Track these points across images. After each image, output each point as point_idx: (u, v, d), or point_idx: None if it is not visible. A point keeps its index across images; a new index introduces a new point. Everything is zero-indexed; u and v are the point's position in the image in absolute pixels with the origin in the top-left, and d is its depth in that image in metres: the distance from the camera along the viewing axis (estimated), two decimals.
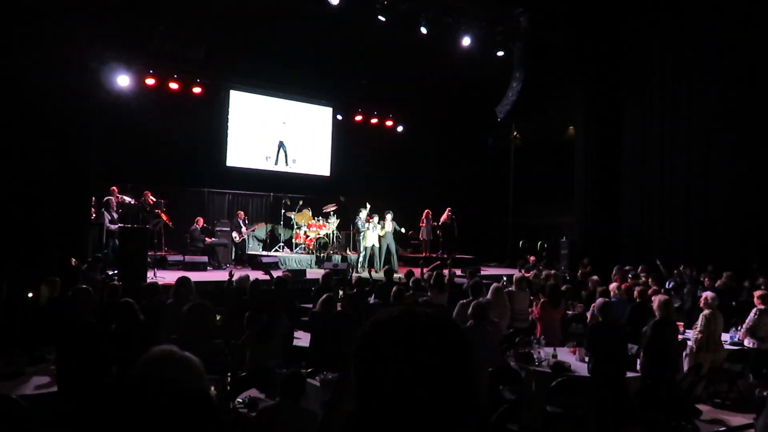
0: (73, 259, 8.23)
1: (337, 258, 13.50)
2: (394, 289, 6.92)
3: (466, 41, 13.58)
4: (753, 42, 11.99)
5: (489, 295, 7.10)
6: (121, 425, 1.13)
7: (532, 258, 14.02)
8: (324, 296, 6.07)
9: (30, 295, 6.12)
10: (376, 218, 13.27)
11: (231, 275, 7.81)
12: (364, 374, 1.01)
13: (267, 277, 8.16)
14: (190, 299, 5.90)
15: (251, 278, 7.53)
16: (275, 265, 12.04)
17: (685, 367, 6.46)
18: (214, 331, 5.31)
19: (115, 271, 9.12)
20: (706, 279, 9.96)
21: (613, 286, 8.50)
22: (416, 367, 0.97)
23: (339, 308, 6.48)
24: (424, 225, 15.56)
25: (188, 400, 1.13)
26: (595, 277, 9.55)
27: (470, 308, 5.72)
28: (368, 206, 13.50)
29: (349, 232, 14.73)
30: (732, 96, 12.41)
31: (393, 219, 13.52)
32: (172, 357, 1.36)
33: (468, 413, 0.99)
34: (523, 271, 10.97)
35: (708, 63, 12.76)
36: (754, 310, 7.04)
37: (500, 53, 14.32)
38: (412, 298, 7.29)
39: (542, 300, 7.25)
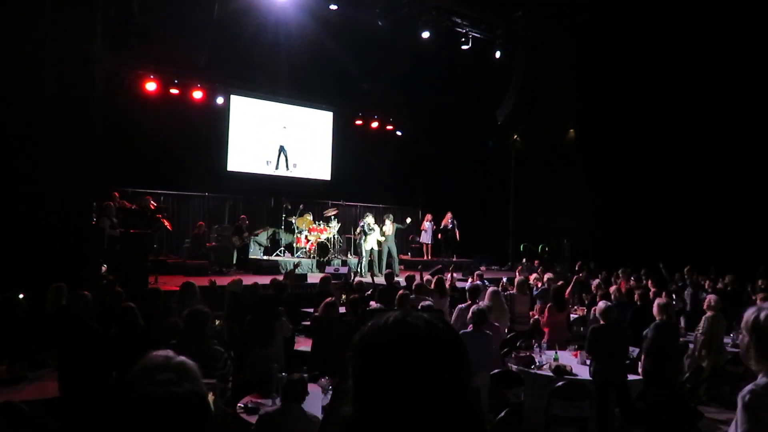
0: (105, 269, 8.23)
1: (337, 262, 13.50)
2: (399, 293, 6.91)
3: (465, 45, 13.61)
4: (750, 41, 12.02)
5: (486, 299, 7.09)
6: (120, 429, 1.13)
7: (537, 262, 14.02)
8: (326, 300, 6.07)
9: (21, 296, 6.10)
10: (373, 219, 13.23)
11: (212, 283, 7.82)
12: (360, 379, 1.01)
13: (268, 282, 8.15)
14: (195, 304, 5.88)
15: (253, 284, 7.53)
16: (276, 270, 12.04)
17: (687, 370, 6.45)
18: (213, 336, 5.30)
19: (117, 276, 9.12)
20: (707, 282, 9.96)
21: (614, 289, 8.49)
22: (412, 372, 0.97)
23: (341, 312, 6.48)
24: (425, 229, 15.57)
25: (184, 404, 1.13)
26: (597, 280, 9.54)
27: (469, 313, 5.72)
28: (373, 214, 13.50)
29: (349, 236, 14.73)
30: (732, 95, 12.44)
31: (393, 221, 13.51)
32: (169, 361, 1.37)
33: (466, 418, 0.99)
34: (524, 273, 10.96)
35: (708, 63, 12.78)
36: None
37: (500, 56, 14.34)
38: (413, 302, 7.28)
39: (549, 304, 7.25)
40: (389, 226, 13.24)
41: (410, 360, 0.98)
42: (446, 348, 1.01)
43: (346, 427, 1.02)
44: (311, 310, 7.19)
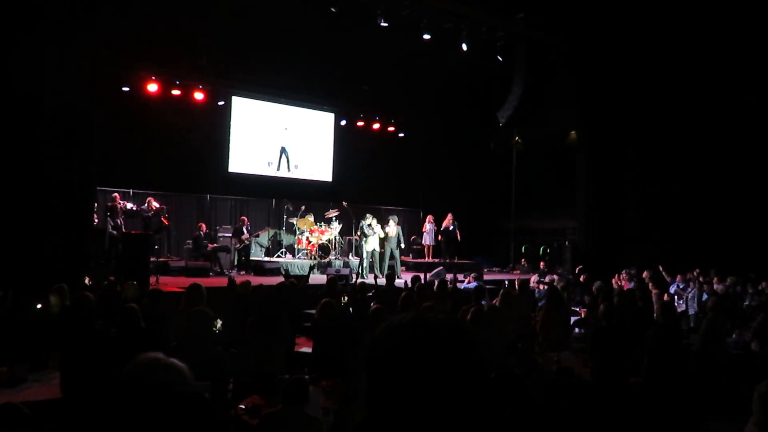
0: (87, 278, 8.21)
1: (339, 263, 13.50)
2: (403, 294, 6.90)
3: (466, 47, 13.61)
4: (751, 43, 12.01)
5: (497, 300, 7.08)
6: (123, 427, 1.13)
7: (542, 264, 14.02)
8: (322, 301, 6.05)
9: (39, 306, 6.10)
10: (374, 221, 13.22)
11: (232, 280, 7.81)
12: (376, 379, 1.00)
13: (269, 283, 8.16)
14: (201, 306, 5.85)
15: (258, 285, 7.53)
16: (277, 271, 12.05)
17: (689, 372, 6.43)
18: (214, 338, 5.30)
19: (118, 278, 9.12)
20: (706, 283, 9.95)
21: (616, 290, 8.49)
22: (430, 372, 0.96)
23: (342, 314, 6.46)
24: (426, 230, 15.56)
25: (186, 402, 1.13)
26: (599, 282, 9.53)
27: (470, 314, 5.70)
28: (375, 215, 13.46)
29: (351, 238, 14.72)
30: (733, 97, 12.43)
31: (397, 224, 13.49)
32: (159, 362, 1.37)
33: (480, 417, 0.98)
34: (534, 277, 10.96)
35: (709, 64, 12.77)
36: (762, 314, 7.03)
37: (501, 58, 14.34)
38: (415, 304, 7.26)
39: (545, 305, 7.25)
40: (393, 228, 13.23)
41: (426, 360, 0.97)
42: (461, 347, 1.00)
43: (361, 428, 1.01)
44: (313, 311, 7.18)
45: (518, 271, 12.49)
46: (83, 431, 3.64)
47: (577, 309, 8.89)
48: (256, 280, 8.78)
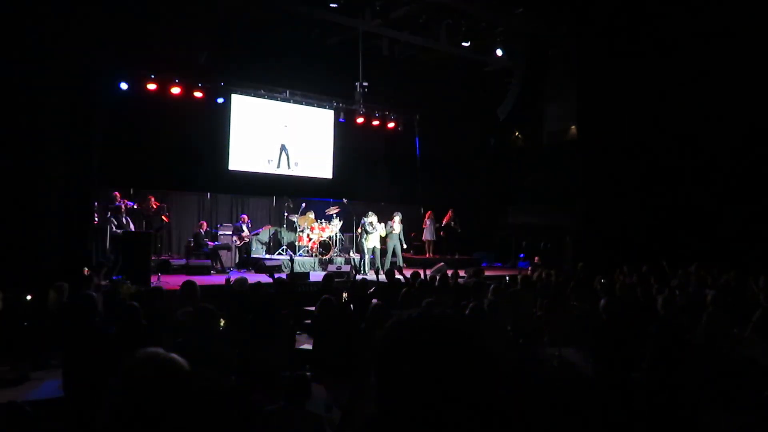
0: (86, 269, 8.22)
1: (340, 260, 13.50)
2: (404, 291, 6.90)
3: (466, 42, 13.60)
4: (753, 41, 11.99)
5: (490, 296, 7.09)
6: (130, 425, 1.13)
7: (537, 258, 14.03)
8: (322, 298, 6.06)
9: (29, 297, 6.11)
10: (375, 218, 13.23)
11: (228, 281, 7.81)
12: (387, 376, 1.00)
13: (270, 280, 8.16)
14: (196, 303, 5.87)
15: (256, 282, 7.51)
16: (279, 268, 12.05)
17: (690, 366, 6.43)
18: (218, 335, 5.31)
19: (119, 276, 9.13)
20: (710, 278, 9.93)
21: (617, 285, 8.48)
22: (440, 368, 0.96)
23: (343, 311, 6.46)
24: (426, 227, 15.57)
25: (207, 397, 1.13)
26: (599, 277, 9.52)
27: (468, 310, 5.70)
28: (375, 212, 13.47)
29: (352, 235, 14.73)
30: (733, 95, 12.41)
31: (401, 221, 13.49)
32: (159, 357, 1.36)
33: (491, 412, 0.98)
34: (529, 270, 10.96)
35: (709, 63, 12.74)
36: (761, 309, 7.02)
37: (500, 53, 14.32)
38: (416, 300, 7.26)
39: (547, 300, 7.24)
40: (397, 225, 13.24)
41: (438, 355, 0.96)
42: (472, 344, 1.00)
43: (371, 425, 1.01)
44: (313, 308, 7.19)
45: (531, 263, 12.50)
46: (86, 430, 3.65)
47: (579, 304, 8.87)
48: (257, 278, 8.80)
